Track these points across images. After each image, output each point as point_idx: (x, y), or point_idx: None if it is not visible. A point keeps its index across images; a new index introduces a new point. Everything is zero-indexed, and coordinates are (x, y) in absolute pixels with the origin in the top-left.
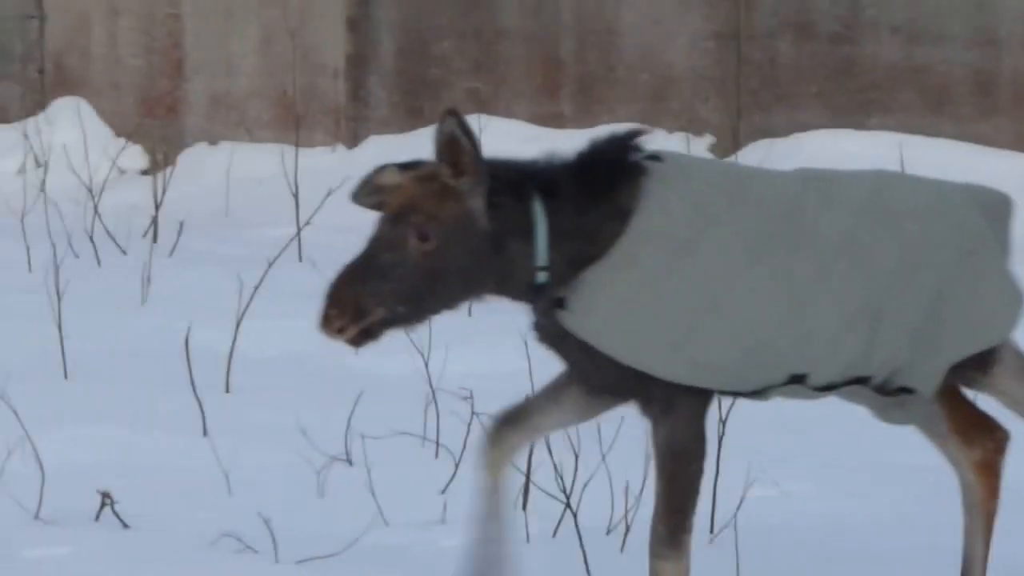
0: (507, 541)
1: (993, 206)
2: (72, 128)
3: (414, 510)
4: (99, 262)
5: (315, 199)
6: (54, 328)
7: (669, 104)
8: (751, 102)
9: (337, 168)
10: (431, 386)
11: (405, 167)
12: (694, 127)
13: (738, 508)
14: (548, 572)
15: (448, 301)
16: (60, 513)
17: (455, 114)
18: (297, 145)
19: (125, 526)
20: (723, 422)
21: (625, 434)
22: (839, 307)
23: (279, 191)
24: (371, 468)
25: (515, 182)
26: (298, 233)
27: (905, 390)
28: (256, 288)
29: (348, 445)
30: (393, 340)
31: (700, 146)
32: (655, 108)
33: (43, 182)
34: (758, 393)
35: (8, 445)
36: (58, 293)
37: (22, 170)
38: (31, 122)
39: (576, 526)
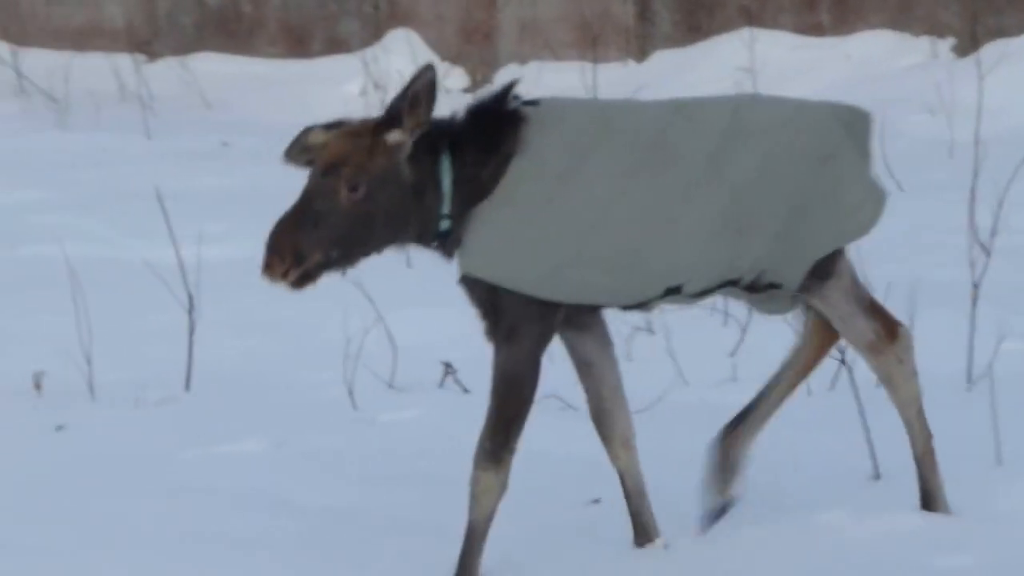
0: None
1: (853, 120)
2: (404, 55)
3: (708, 371)
4: None
5: None
6: None
7: (915, 12)
8: (986, 5)
9: (629, 80)
10: None
11: (330, 127)
12: (937, 31)
13: (993, 359)
14: (827, 421)
15: (376, 245)
16: (410, 382)
17: (432, 70)
18: (595, 62)
19: (465, 391)
20: (975, 285)
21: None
22: (705, 222)
23: None
24: (669, 335)
25: (431, 138)
26: None
27: (773, 286)
28: None
29: (649, 317)
30: None
31: (944, 47)
32: (903, 16)
33: (382, 102)
34: (640, 306)
35: (365, 326)
36: None
37: (363, 92)
38: (369, 51)
39: (851, 379)
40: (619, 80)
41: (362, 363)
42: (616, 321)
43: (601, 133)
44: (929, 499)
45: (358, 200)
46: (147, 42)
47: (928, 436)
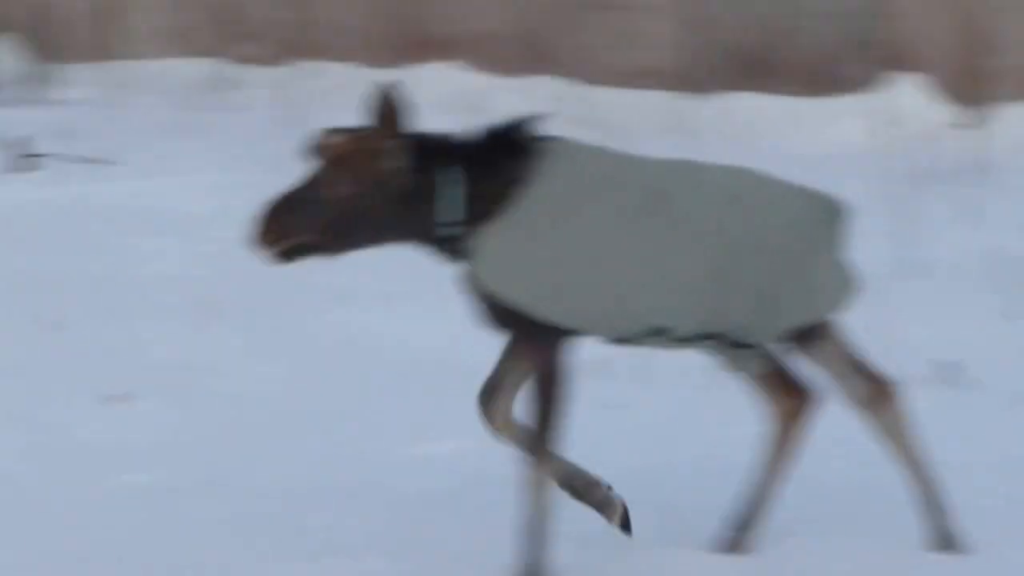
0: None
1: (831, 207)
2: (908, 95)
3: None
4: None
5: None
6: None
7: None
8: None
9: None
10: None
11: (348, 130)
12: None
13: None
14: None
15: (361, 241)
16: None
17: (393, 89)
18: None
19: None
20: None
21: None
22: (695, 272)
23: None
24: None
25: (443, 151)
26: None
27: (746, 346)
28: None
29: None
30: None
31: None
32: None
33: (888, 141)
34: (623, 340)
35: None
36: None
37: (871, 132)
38: (873, 92)
39: None
40: None
41: None
42: None
43: (609, 178)
44: (945, 541)
45: (348, 197)
46: (689, 80)
47: (933, 481)
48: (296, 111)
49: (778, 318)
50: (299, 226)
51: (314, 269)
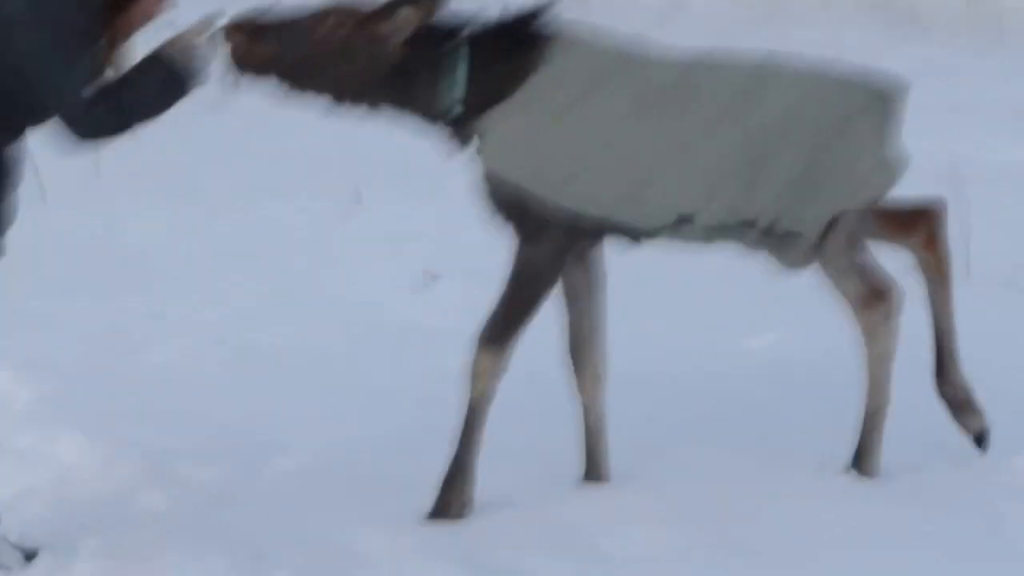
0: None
1: (882, 91)
2: None
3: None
4: None
5: None
6: None
7: None
8: None
9: None
10: None
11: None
12: None
13: None
14: None
15: (326, 90)
16: None
17: None
18: None
19: None
20: None
21: None
22: (721, 156)
23: None
24: None
25: (451, 27)
26: None
27: (791, 234)
28: None
29: None
30: None
31: None
32: None
33: None
34: (650, 234)
35: None
36: None
37: None
38: None
39: None
40: None
41: None
42: None
43: (624, 64)
44: (863, 457)
45: (330, 40)
46: None
47: (886, 399)
48: None
49: (817, 205)
50: (273, 45)
51: None
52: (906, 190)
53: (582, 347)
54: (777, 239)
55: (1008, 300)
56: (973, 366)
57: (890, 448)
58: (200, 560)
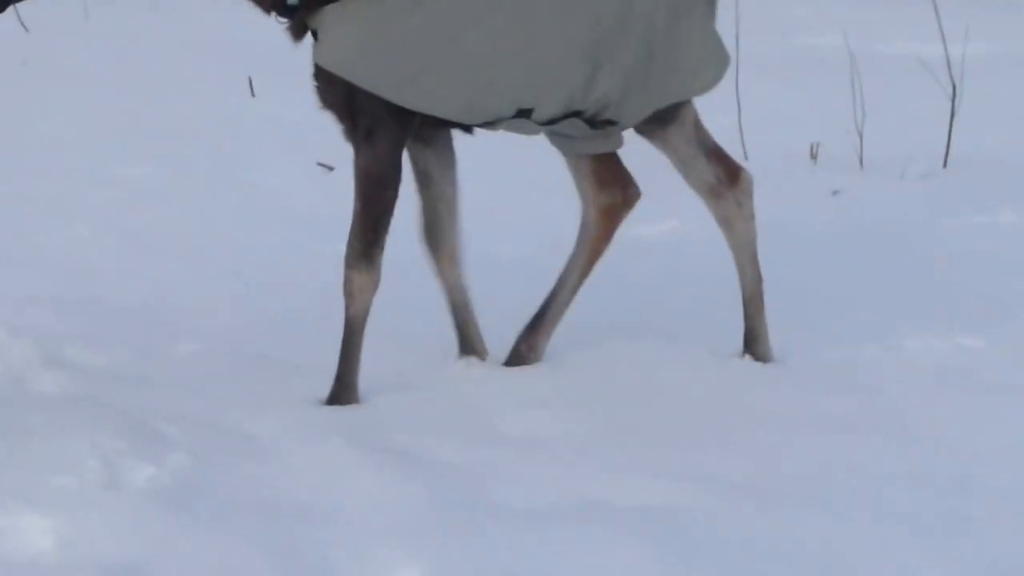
0: None
1: None
2: None
3: None
4: None
5: None
6: None
7: None
8: None
9: None
10: None
11: None
12: None
13: None
14: None
15: None
16: None
17: None
18: None
19: None
20: None
21: None
22: (565, 51)
23: None
24: None
25: None
26: None
27: (610, 123)
28: None
29: None
30: None
31: None
32: None
33: None
34: (487, 124)
35: None
36: None
37: None
38: None
39: None
40: None
41: None
42: None
43: None
44: (753, 341)
45: None
46: None
47: (758, 279)
48: None
49: (648, 96)
50: None
51: None
52: (807, 81)
53: (437, 229)
54: (595, 127)
55: (900, 190)
56: (869, 256)
57: (784, 332)
58: (96, 443)
